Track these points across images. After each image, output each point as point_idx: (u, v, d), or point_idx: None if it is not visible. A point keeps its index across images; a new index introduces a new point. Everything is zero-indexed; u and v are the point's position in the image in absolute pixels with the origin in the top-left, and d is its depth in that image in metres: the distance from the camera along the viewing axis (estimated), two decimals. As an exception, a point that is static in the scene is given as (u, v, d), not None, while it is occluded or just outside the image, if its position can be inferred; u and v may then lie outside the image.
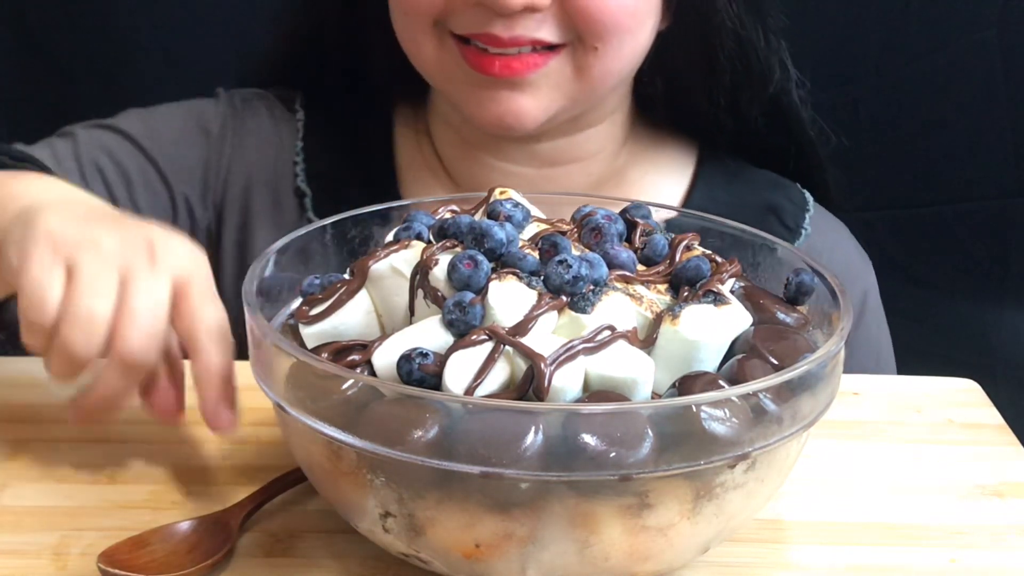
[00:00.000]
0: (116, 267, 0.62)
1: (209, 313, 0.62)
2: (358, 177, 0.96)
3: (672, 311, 0.57)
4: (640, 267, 0.62)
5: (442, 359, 0.53)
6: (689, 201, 0.98)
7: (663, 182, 0.99)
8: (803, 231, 0.98)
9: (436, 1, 0.84)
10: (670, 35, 0.92)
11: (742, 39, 0.92)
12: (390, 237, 0.64)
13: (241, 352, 0.62)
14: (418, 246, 0.60)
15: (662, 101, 0.98)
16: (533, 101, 0.85)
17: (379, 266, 0.60)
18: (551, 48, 0.84)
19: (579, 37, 0.84)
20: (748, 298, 0.62)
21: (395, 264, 0.59)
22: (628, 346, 0.55)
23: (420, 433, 0.50)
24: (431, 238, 0.62)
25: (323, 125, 1.00)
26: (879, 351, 1.01)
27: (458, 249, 0.59)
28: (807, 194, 1.01)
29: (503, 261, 0.58)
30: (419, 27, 0.86)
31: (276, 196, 0.97)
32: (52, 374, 0.63)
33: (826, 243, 0.99)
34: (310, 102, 1.01)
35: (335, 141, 0.99)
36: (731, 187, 0.99)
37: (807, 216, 0.99)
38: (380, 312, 0.60)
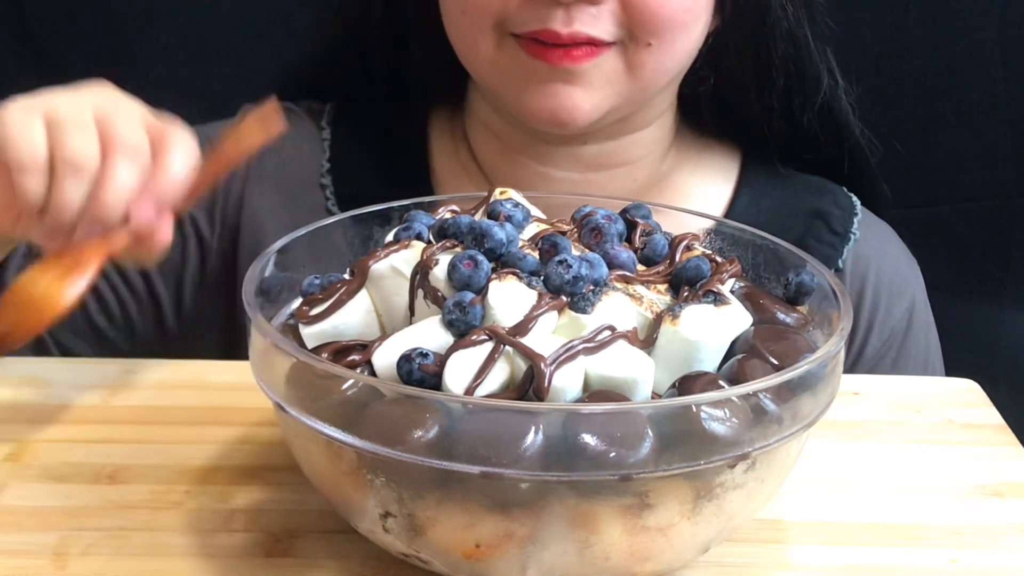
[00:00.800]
0: (91, 107, 0.69)
1: (179, 131, 0.70)
2: (394, 190, 0.94)
3: (672, 311, 0.57)
4: (640, 267, 0.62)
5: (442, 359, 0.53)
6: (734, 207, 0.96)
7: (707, 188, 0.97)
8: (852, 236, 0.96)
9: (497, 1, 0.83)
10: (722, 35, 0.91)
11: (797, 40, 0.91)
12: (390, 237, 0.64)
13: (243, 352, 0.62)
14: (418, 246, 0.60)
15: (710, 105, 0.97)
16: (587, 96, 0.84)
17: (379, 266, 0.60)
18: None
19: (632, 35, 0.83)
20: (748, 298, 0.62)
21: (395, 264, 0.59)
22: (628, 346, 0.55)
23: (420, 433, 0.50)
24: (431, 238, 0.62)
25: (352, 140, 0.98)
26: (927, 361, 0.99)
27: (458, 249, 0.59)
28: (854, 198, 0.99)
29: (503, 261, 0.58)
30: (479, 27, 0.85)
31: (301, 216, 0.96)
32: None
33: (874, 249, 0.97)
34: (338, 116, 0.99)
35: (366, 157, 0.97)
36: (777, 192, 0.98)
37: (855, 221, 0.97)
38: (380, 312, 0.60)
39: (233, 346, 0.97)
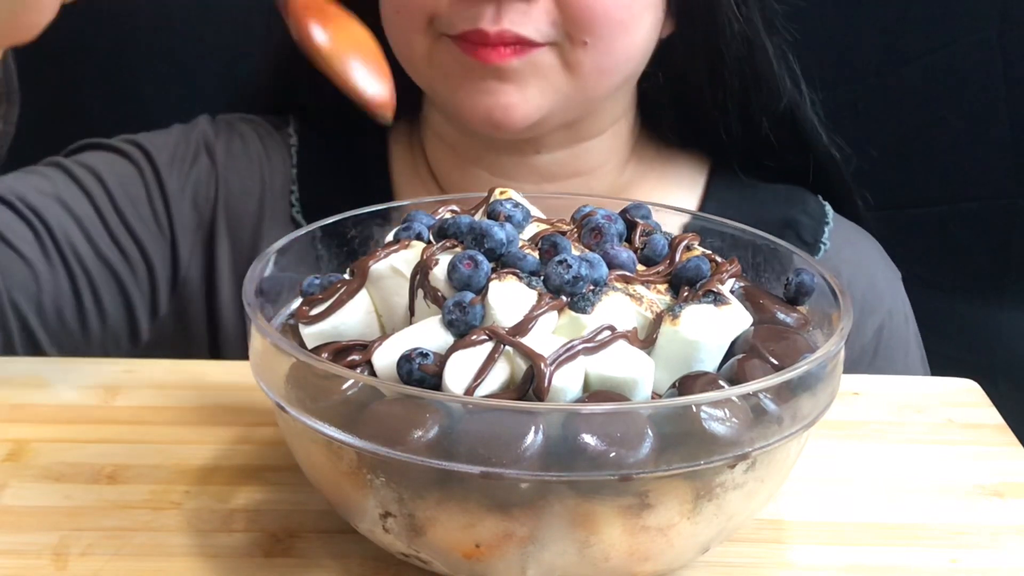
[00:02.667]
0: None
1: None
2: (357, 202, 0.95)
3: (672, 311, 0.57)
4: (640, 267, 0.62)
5: (442, 359, 0.53)
6: (707, 206, 0.95)
7: (672, 200, 0.95)
8: (822, 246, 0.95)
9: None
10: (675, 39, 0.90)
11: (751, 43, 0.90)
12: (390, 237, 0.64)
13: (242, 352, 0.62)
14: (418, 246, 0.60)
15: (669, 111, 0.95)
16: (521, 95, 0.83)
17: (379, 266, 0.60)
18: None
19: (567, 34, 0.82)
20: (748, 298, 0.62)
21: (395, 264, 0.59)
22: (628, 346, 0.55)
23: (420, 433, 0.50)
24: (431, 238, 0.62)
25: (317, 150, 0.98)
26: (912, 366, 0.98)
27: (458, 249, 0.59)
28: (827, 206, 0.98)
29: (503, 261, 0.58)
30: (413, 27, 0.85)
31: (267, 225, 0.96)
32: None
33: (847, 262, 0.96)
34: (303, 126, 0.99)
35: (330, 168, 0.97)
36: (744, 204, 0.96)
37: (826, 229, 0.96)
38: (380, 312, 0.60)
39: (215, 346, 0.97)
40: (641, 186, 0.96)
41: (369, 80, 0.62)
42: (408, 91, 0.91)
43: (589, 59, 0.83)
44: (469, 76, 0.84)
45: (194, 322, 0.97)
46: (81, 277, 0.91)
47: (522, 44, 0.82)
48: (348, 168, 0.98)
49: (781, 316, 0.62)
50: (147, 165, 0.96)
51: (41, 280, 0.89)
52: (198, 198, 0.96)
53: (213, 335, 0.97)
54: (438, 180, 0.96)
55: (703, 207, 0.96)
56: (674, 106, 0.95)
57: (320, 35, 0.61)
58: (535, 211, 0.67)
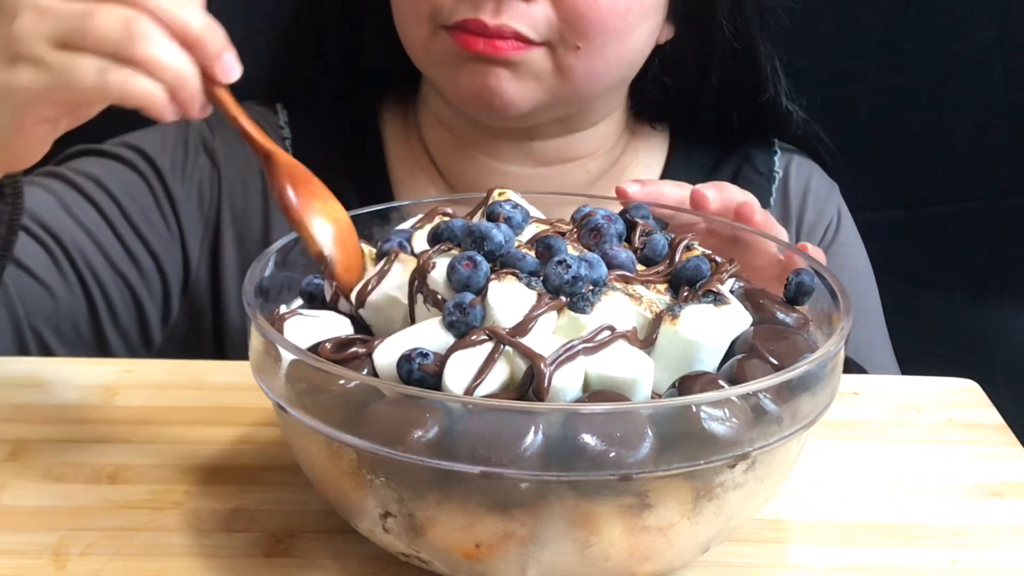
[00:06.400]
0: None
1: None
2: (350, 184, 0.92)
3: (672, 311, 0.57)
4: (640, 267, 0.62)
5: (442, 359, 0.53)
6: (671, 168, 1.00)
7: (650, 166, 1.01)
8: (775, 175, 1.01)
9: None
10: (671, 46, 0.93)
11: (737, 52, 0.94)
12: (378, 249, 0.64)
13: (246, 352, 0.62)
14: (407, 261, 0.60)
15: (655, 104, 0.99)
16: (514, 84, 0.85)
17: (375, 298, 0.60)
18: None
19: (561, 36, 0.84)
20: (748, 298, 0.62)
21: (389, 292, 0.59)
22: (628, 346, 0.55)
23: (420, 433, 0.50)
24: (417, 248, 0.62)
25: (310, 138, 0.99)
26: (855, 265, 1.02)
27: (455, 252, 0.59)
28: (775, 141, 1.03)
29: (502, 261, 0.58)
30: (416, 14, 0.87)
31: (274, 216, 0.97)
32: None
33: (800, 180, 1.02)
34: (293, 117, 1.00)
35: (325, 153, 0.96)
36: (706, 148, 1.01)
37: (775, 160, 1.02)
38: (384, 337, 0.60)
39: (220, 346, 0.97)
40: (630, 158, 1.00)
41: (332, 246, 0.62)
42: (404, 66, 0.93)
43: (581, 63, 0.85)
44: (465, 60, 0.85)
45: (202, 323, 0.98)
46: (96, 291, 0.91)
47: (519, 40, 0.83)
48: (343, 151, 0.98)
49: (781, 316, 0.62)
50: (152, 173, 0.95)
51: (59, 301, 0.89)
52: (203, 200, 0.97)
53: (218, 335, 0.97)
54: (435, 162, 0.98)
55: (672, 156, 1.01)
56: (662, 97, 0.98)
57: (292, 196, 0.63)
58: (534, 211, 0.67)
